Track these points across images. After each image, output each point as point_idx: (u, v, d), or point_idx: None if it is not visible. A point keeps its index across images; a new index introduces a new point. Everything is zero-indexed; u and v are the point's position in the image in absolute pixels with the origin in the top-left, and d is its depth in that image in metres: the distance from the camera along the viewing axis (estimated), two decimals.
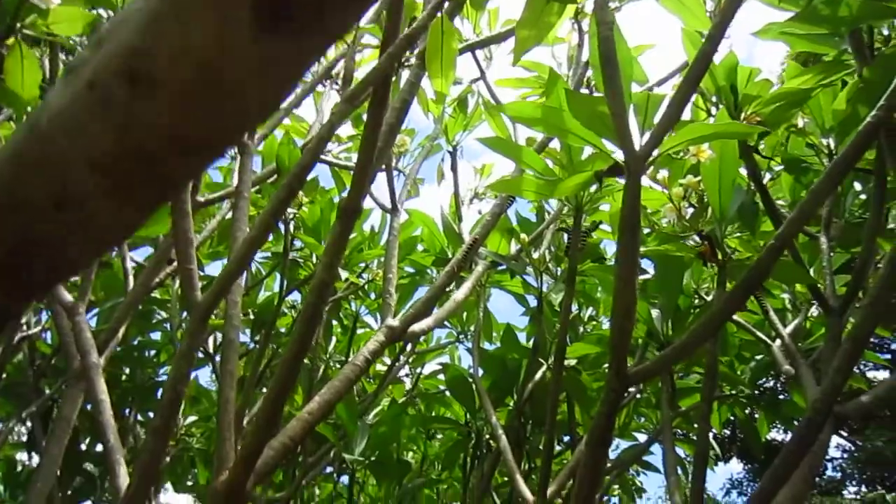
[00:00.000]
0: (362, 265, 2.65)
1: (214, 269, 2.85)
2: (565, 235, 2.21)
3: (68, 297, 1.40)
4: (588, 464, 0.93)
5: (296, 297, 3.01)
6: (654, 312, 1.68)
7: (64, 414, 1.44)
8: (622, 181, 1.23)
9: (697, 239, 1.36)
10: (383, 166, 1.84)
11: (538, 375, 1.96)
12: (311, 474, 2.47)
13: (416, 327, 1.51)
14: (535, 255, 1.87)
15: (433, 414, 2.37)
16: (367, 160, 1.04)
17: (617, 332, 0.87)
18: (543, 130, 1.15)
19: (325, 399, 1.30)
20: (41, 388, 2.27)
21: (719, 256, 1.28)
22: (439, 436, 2.84)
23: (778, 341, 2.06)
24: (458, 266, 1.52)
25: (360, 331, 2.99)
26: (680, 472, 2.76)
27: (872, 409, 1.30)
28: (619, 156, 1.11)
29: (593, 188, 1.49)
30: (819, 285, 1.46)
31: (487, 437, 2.28)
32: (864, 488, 7.14)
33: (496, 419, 1.68)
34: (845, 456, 9.55)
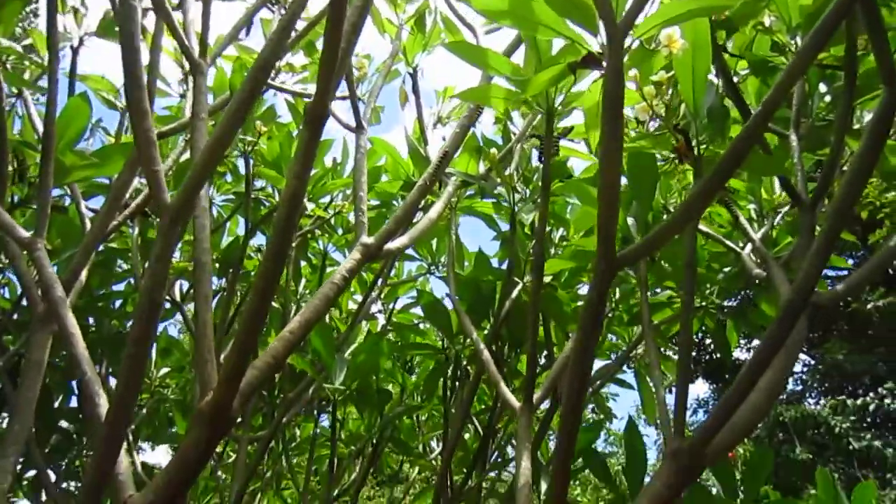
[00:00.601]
0: (327, 199, 2.60)
1: None
2: (534, 156, 2.20)
3: (24, 232, 1.33)
4: (578, 349, 0.93)
5: (260, 240, 2.96)
6: (630, 220, 1.69)
7: (34, 358, 1.39)
8: (596, 72, 1.20)
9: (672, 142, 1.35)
10: (342, 88, 1.78)
11: (514, 294, 1.97)
12: (291, 412, 2.47)
13: (391, 245, 1.49)
14: (506, 172, 1.85)
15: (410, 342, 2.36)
16: (330, 58, 0.99)
17: (604, 210, 0.86)
18: (511, 23, 1.11)
19: (306, 318, 1.27)
20: (4, 345, 2.20)
21: (695, 152, 1.28)
22: (417, 370, 2.86)
23: (748, 248, 2.10)
24: (429, 180, 1.49)
25: (329, 269, 2.96)
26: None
27: (847, 296, 1.32)
28: (592, 44, 1.08)
29: (561, 97, 1.47)
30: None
31: (465, 362, 2.30)
32: (822, 400, 7.50)
33: (476, 335, 1.68)
34: (806, 369, 9.98)
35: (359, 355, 2.09)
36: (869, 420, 7.47)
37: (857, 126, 1.86)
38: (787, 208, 2.16)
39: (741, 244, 2.11)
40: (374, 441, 2.50)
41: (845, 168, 1.90)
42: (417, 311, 2.89)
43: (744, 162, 1.03)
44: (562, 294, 2.04)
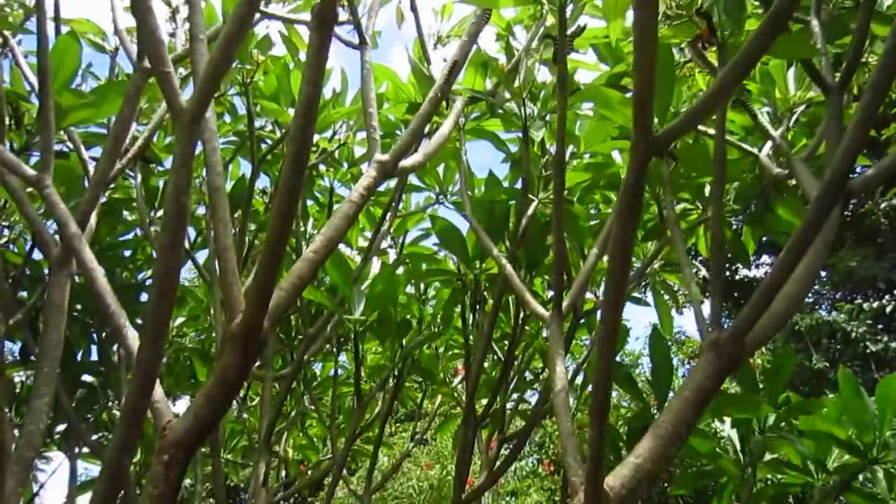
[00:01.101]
0: (329, 134, 2.54)
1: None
2: (539, 72, 2.13)
3: (30, 170, 1.29)
4: (618, 239, 0.90)
5: (264, 182, 2.91)
6: None
7: (54, 300, 1.36)
8: None
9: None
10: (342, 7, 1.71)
11: (530, 212, 1.93)
12: (313, 348, 2.47)
13: (406, 163, 1.45)
14: (515, 84, 1.79)
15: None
16: None
17: (641, 85, 0.82)
18: None
19: (328, 237, 1.24)
20: (21, 301, 2.18)
21: (718, 37, 1.22)
22: (433, 302, 2.85)
23: (764, 150, 2.06)
24: (441, 92, 1.44)
25: (336, 206, 2.92)
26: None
27: (878, 182, 1.29)
28: None
29: None
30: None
31: (484, 287, 2.28)
32: (834, 312, 7.50)
33: (497, 251, 1.65)
34: (817, 280, 10.04)
35: (376, 286, 2.07)
36: (884, 323, 7.54)
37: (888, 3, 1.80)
38: (802, 108, 2.11)
39: (757, 148, 2.07)
40: (397, 372, 2.51)
41: (868, 58, 1.84)
42: (428, 244, 2.87)
43: (772, 44, 0.98)
44: (578, 208, 2.00)
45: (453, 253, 2.14)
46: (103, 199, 2.33)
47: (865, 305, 7.09)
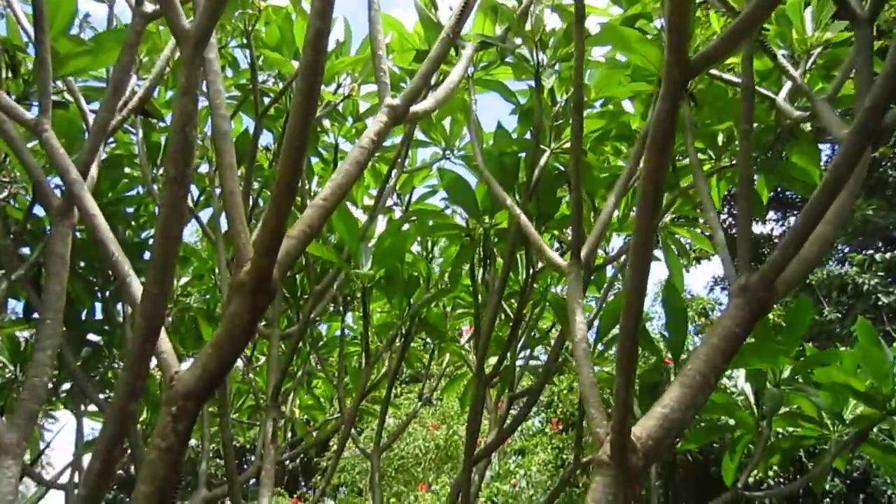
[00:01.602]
0: (333, 88, 2.46)
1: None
2: (549, 19, 2.04)
3: (28, 114, 1.23)
4: (650, 174, 0.84)
5: (267, 139, 2.83)
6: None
7: (56, 251, 1.31)
8: None
9: None
10: None
11: (542, 161, 1.87)
12: (319, 306, 2.43)
13: (417, 108, 1.38)
14: (527, 28, 1.71)
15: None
16: None
17: (675, 12, 0.75)
18: None
19: (338, 183, 1.18)
20: (23, 258, 2.14)
21: None
22: (441, 260, 2.79)
23: (782, 94, 1.98)
24: (451, 33, 1.36)
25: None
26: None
27: None
28: None
29: None
30: None
31: (493, 243, 2.22)
32: (845, 266, 7.40)
33: (510, 200, 1.59)
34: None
35: (384, 241, 2.01)
36: None
37: None
38: (819, 50, 2.02)
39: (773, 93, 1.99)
40: (404, 331, 2.47)
41: None
42: (434, 201, 2.80)
43: None
44: (591, 158, 1.93)
45: (462, 206, 2.08)
46: (104, 156, 2.27)
47: (878, 257, 7.01)
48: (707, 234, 2.82)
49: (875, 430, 1.96)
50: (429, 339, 3.01)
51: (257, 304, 1.05)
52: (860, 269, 7.03)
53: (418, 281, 2.23)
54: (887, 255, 6.96)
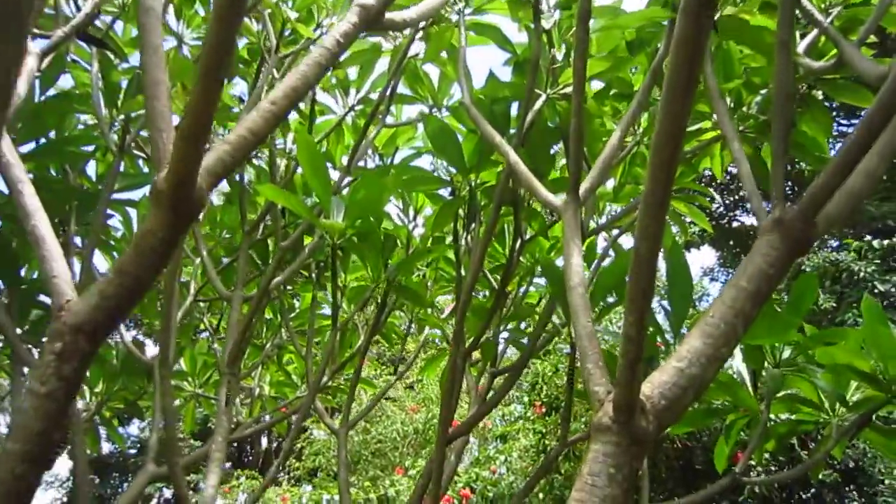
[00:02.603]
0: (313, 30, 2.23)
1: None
2: None
3: None
4: (668, 116, 0.63)
5: None
6: None
7: None
8: None
9: None
10: None
11: (537, 106, 1.65)
12: (289, 271, 2.20)
13: (396, 16, 1.16)
14: None
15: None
16: None
17: None
18: None
19: (291, 85, 0.96)
20: None
21: None
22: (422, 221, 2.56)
23: (801, 46, 1.78)
24: None
25: (322, 119, 2.62)
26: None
27: None
28: None
29: None
30: None
31: (482, 202, 2.01)
32: (842, 253, 7.24)
33: (501, 140, 1.37)
34: None
35: (358, 191, 1.78)
36: (893, 262, 7.31)
37: None
38: (839, 9, 1.83)
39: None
40: (381, 299, 2.25)
41: None
42: (420, 164, 2.58)
43: None
44: (592, 105, 1.72)
45: (447, 159, 1.85)
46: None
47: (875, 243, 6.85)
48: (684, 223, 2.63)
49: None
50: (408, 316, 2.80)
51: (177, 218, 0.82)
52: (857, 255, 6.87)
53: (396, 242, 2.01)
54: (885, 243, 6.79)
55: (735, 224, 10.18)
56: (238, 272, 2.19)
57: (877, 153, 0.96)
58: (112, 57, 2.21)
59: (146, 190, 2.80)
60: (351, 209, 1.80)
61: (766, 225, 0.88)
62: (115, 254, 2.93)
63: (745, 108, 2.08)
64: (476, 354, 2.46)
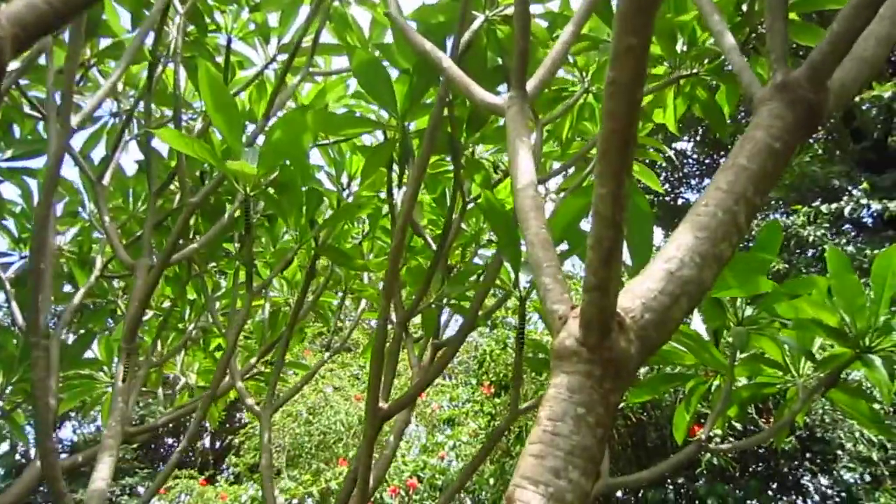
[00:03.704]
0: None
1: None
2: None
3: None
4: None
5: None
6: None
7: None
8: None
9: None
10: None
11: (476, 26, 1.41)
12: (205, 238, 1.91)
13: None
14: None
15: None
16: None
17: None
18: None
19: None
20: None
21: None
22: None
23: None
24: None
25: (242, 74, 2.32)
26: None
27: None
28: None
29: None
30: None
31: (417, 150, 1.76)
32: (791, 217, 7.22)
33: (440, 54, 1.12)
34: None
35: (273, 132, 1.51)
36: (842, 226, 7.34)
37: None
38: None
39: None
40: (308, 265, 1.98)
41: None
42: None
43: None
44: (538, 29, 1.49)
45: (377, 99, 1.60)
46: None
47: (823, 208, 6.87)
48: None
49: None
50: (341, 289, 2.53)
51: None
52: (806, 220, 6.88)
53: (320, 196, 1.74)
54: (833, 206, 6.82)
55: (681, 202, 10.17)
56: (144, 238, 1.88)
57: (886, 17, 0.76)
58: None
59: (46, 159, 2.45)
60: (265, 155, 1.53)
61: (764, 94, 0.66)
62: (13, 231, 2.57)
63: (695, 51, 1.89)
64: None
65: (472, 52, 1.43)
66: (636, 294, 0.56)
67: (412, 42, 1.16)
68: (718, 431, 1.59)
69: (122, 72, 1.55)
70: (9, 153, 2.38)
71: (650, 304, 0.55)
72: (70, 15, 0.66)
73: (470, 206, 1.99)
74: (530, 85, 0.89)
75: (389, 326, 1.51)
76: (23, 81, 2.15)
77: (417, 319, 2.17)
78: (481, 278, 2.26)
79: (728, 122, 2.03)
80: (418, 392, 1.66)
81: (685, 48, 1.92)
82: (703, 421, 1.93)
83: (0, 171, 2.35)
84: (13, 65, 1.78)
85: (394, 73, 1.64)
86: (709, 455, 3.93)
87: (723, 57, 1.83)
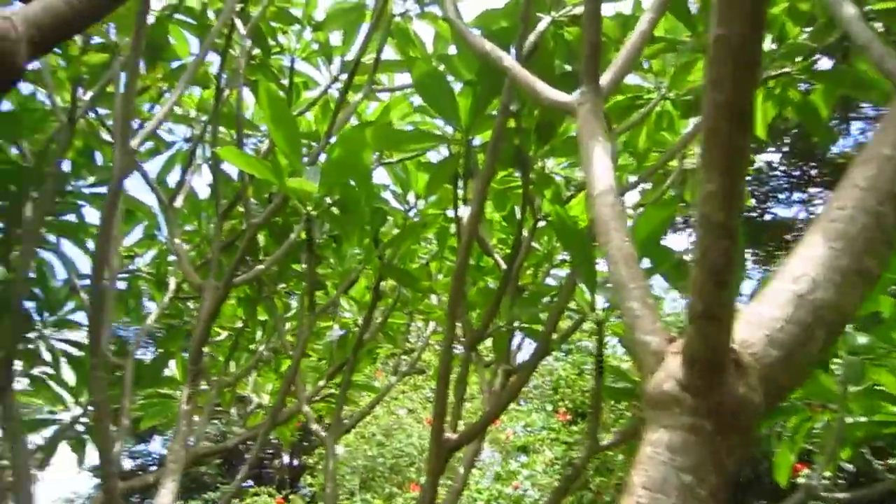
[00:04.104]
0: None
1: None
2: None
3: None
4: None
5: None
6: None
7: None
8: None
9: None
10: None
11: (542, 26, 1.30)
12: (271, 260, 1.87)
13: None
14: None
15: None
16: None
17: None
18: None
19: None
20: None
21: None
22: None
23: None
24: None
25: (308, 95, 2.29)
26: None
27: None
28: None
29: None
30: None
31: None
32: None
33: (490, 45, 1.02)
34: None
35: (334, 150, 1.45)
36: None
37: None
38: None
39: None
40: (374, 286, 1.90)
41: None
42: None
43: None
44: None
45: (439, 111, 1.51)
46: None
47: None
48: None
49: None
50: (410, 308, 2.44)
51: None
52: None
53: (384, 214, 1.66)
54: None
55: (768, 217, 9.55)
56: (211, 260, 1.86)
57: None
58: None
59: (128, 183, 2.47)
60: (326, 172, 1.46)
61: None
62: (91, 246, 2.62)
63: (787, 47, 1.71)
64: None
65: (538, 57, 1.32)
66: (757, 323, 0.43)
67: (471, 44, 1.06)
68: (827, 474, 1.38)
69: (181, 93, 1.53)
70: (91, 179, 2.43)
71: (776, 337, 0.42)
72: (95, 15, 0.60)
73: (541, 223, 1.87)
74: (604, 80, 0.77)
75: (457, 350, 1.41)
76: (103, 111, 2.20)
77: (490, 342, 2.06)
78: (554, 300, 2.12)
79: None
80: (489, 422, 1.54)
81: (774, 45, 1.74)
82: (806, 458, 1.72)
83: (84, 197, 2.39)
84: (85, 92, 1.80)
85: (457, 88, 1.56)
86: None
87: (816, 56, 1.65)
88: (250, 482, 7.27)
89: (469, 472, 1.80)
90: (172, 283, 2.31)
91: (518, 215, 2.11)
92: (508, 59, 0.93)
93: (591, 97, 0.73)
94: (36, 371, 2.43)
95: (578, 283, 1.51)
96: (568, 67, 1.54)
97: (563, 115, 1.68)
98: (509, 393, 1.60)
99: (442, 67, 1.54)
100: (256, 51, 2.03)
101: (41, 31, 0.56)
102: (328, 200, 1.54)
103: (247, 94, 2.03)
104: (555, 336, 1.54)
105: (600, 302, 1.40)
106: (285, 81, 2.12)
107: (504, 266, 1.89)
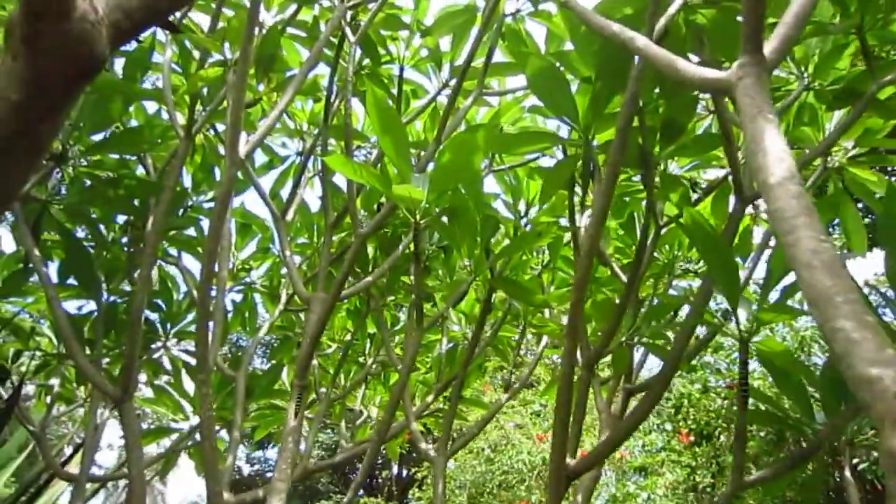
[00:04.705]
0: None
1: None
2: None
3: None
4: None
5: None
6: None
7: None
8: None
9: None
10: None
11: (674, 7, 1.16)
12: (379, 271, 1.83)
13: None
14: None
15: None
16: None
17: None
18: None
19: None
20: None
21: None
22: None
23: None
24: None
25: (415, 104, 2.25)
26: None
27: None
28: None
29: None
30: None
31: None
32: None
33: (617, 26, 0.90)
34: None
35: (443, 154, 1.37)
36: None
37: None
38: None
39: None
40: (484, 298, 1.81)
41: None
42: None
43: None
44: None
45: (556, 111, 1.40)
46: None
47: None
48: None
49: None
50: (521, 322, 2.33)
51: (39, 67, 0.45)
52: None
53: (496, 222, 1.57)
54: None
55: None
56: (320, 272, 1.84)
57: None
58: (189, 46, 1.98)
59: (245, 197, 2.54)
60: (435, 179, 1.39)
61: None
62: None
63: None
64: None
65: (669, 44, 1.18)
66: None
67: (595, 26, 0.95)
68: None
69: (288, 102, 1.51)
70: (210, 194, 2.50)
71: None
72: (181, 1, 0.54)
73: (663, 230, 1.71)
74: (769, 48, 0.63)
75: (575, 369, 1.28)
76: (221, 127, 2.26)
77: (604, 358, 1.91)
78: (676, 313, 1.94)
79: None
80: (613, 449, 1.40)
81: None
82: None
83: (203, 211, 2.47)
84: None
85: (574, 88, 1.44)
86: None
87: None
88: (360, 492, 7.37)
89: (589, 501, 1.66)
90: (284, 295, 2.34)
91: (636, 222, 1.94)
92: (641, 39, 0.81)
93: (755, 70, 0.60)
94: (158, 381, 2.54)
95: (714, 293, 1.34)
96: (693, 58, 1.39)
97: (691, 112, 1.53)
98: (635, 416, 1.45)
99: (558, 64, 1.43)
100: (366, 61, 2.01)
101: (129, 17, 0.51)
102: (437, 210, 1.46)
103: (358, 105, 2.01)
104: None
105: (742, 317, 1.23)
106: (395, 91, 2.09)
107: (623, 277, 1.75)
